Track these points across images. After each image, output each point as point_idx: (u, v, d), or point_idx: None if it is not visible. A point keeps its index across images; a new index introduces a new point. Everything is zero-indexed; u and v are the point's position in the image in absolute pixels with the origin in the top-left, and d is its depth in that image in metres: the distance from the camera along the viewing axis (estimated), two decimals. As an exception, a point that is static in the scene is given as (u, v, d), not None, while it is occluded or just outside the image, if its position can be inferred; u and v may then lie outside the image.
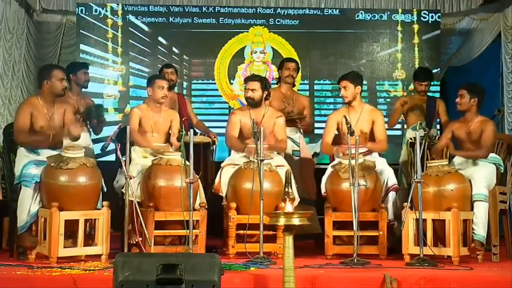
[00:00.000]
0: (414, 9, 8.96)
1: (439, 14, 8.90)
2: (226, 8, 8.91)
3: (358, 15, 8.93)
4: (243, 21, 8.87)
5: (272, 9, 8.92)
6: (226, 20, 8.86)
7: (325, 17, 8.93)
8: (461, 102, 5.86)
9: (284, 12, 8.92)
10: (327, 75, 8.96)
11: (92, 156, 6.12)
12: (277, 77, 7.13)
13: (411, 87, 8.20)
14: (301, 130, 6.91)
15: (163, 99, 6.06)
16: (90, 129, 6.76)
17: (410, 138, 6.33)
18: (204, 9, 8.87)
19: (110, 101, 8.64)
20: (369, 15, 8.93)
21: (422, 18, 8.90)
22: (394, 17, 8.93)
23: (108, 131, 6.52)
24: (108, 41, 8.75)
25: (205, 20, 8.84)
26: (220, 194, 5.88)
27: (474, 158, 5.81)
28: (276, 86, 7.11)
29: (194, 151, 5.29)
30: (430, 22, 8.89)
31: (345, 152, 5.72)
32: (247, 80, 6.26)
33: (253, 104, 6.13)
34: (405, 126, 7.18)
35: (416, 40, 8.90)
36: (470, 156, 5.82)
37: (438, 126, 7.33)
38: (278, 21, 8.87)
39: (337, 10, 8.98)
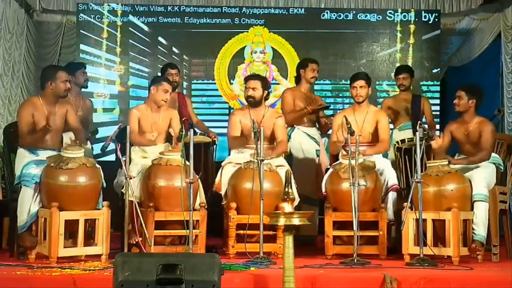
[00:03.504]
0: (414, 9, 8.96)
1: (439, 14, 8.90)
2: (227, 8, 8.91)
3: (358, 15, 8.93)
4: (242, 21, 8.87)
5: (272, 9, 8.92)
6: (226, 20, 8.86)
7: (324, 16, 8.94)
8: (459, 103, 5.83)
9: (282, 12, 8.92)
10: (327, 75, 8.94)
11: (90, 155, 6.11)
12: (295, 75, 7.10)
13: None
14: (321, 130, 6.94)
15: (164, 102, 6.00)
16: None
17: (397, 142, 6.22)
18: (204, 9, 8.87)
19: (100, 101, 8.64)
20: (368, 16, 8.92)
21: (422, 18, 8.91)
22: (394, 17, 8.93)
23: (108, 131, 6.51)
24: (108, 41, 8.75)
25: (205, 20, 8.83)
26: (220, 192, 5.87)
27: (477, 163, 5.76)
28: (289, 86, 7.20)
29: (194, 151, 5.28)
30: (430, 22, 8.89)
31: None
32: (248, 78, 6.21)
33: (253, 103, 6.10)
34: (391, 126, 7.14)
35: (416, 40, 8.90)
36: (473, 162, 5.75)
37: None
38: (278, 21, 8.88)
39: (337, 10, 8.98)
